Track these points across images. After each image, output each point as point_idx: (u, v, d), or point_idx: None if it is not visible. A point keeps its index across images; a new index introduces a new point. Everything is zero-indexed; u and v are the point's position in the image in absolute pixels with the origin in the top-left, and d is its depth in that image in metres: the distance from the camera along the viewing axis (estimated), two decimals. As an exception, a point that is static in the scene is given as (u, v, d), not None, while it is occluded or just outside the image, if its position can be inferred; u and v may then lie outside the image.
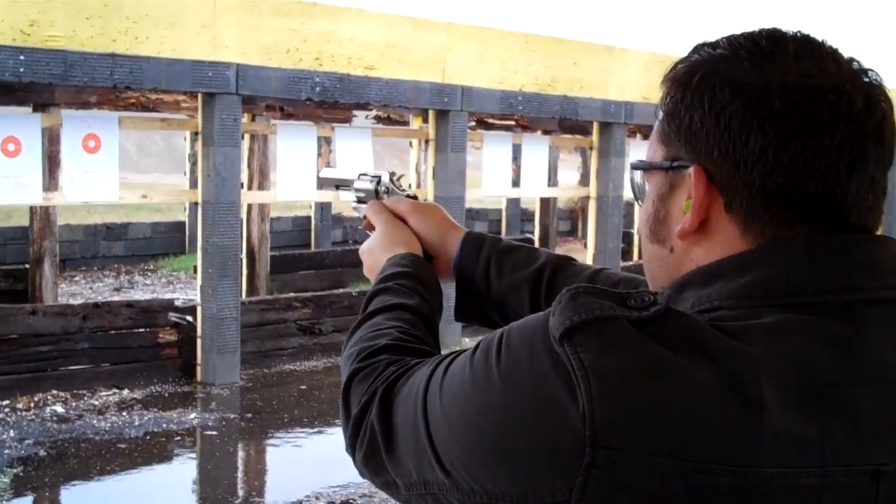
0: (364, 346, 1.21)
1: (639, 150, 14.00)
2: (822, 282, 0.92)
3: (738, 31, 1.01)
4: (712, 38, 1.02)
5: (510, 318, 1.33)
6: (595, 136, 13.10)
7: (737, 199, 0.95)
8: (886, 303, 0.92)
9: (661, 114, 1.03)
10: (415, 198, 1.58)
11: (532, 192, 12.98)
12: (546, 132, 14.43)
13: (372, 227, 1.55)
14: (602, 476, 0.83)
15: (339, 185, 1.70)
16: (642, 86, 13.16)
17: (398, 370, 1.12)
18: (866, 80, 0.96)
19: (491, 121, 13.90)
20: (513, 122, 14.02)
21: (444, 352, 1.16)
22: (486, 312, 1.49)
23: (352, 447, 1.14)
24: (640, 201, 1.10)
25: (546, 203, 17.35)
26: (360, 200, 1.62)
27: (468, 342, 11.20)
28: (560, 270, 1.46)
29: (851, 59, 0.97)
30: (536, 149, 12.54)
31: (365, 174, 1.63)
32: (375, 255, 1.49)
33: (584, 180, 14.36)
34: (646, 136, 14.76)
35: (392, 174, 1.61)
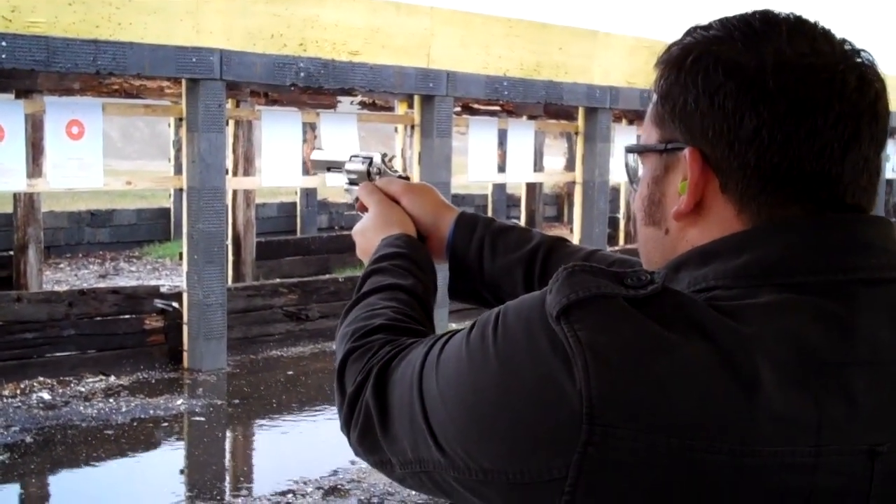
0: (359, 325, 1.21)
1: (624, 134, 14.03)
2: (817, 262, 0.92)
3: (734, 14, 1.01)
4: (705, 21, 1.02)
5: (503, 298, 1.32)
6: (580, 121, 13.10)
7: (732, 179, 0.96)
8: (880, 283, 0.93)
9: (654, 96, 1.03)
10: (407, 178, 1.58)
11: (518, 177, 12.99)
12: (531, 117, 14.42)
13: (364, 209, 1.54)
14: (598, 453, 0.83)
15: (331, 167, 1.70)
16: (627, 70, 13.17)
17: (393, 350, 1.12)
18: (859, 60, 0.96)
19: (476, 106, 13.88)
20: (498, 108, 14.01)
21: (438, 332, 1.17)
22: (479, 292, 1.50)
23: (346, 426, 1.14)
24: (634, 184, 1.10)
25: (532, 188, 17.37)
26: (351, 182, 1.62)
27: (454, 326, 11.19)
28: (554, 251, 1.45)
29: (844, 40, 0.98)
30: (522, 134, 12.54)
31: (356, 155, 1.62)
32: (368, 236, 1.49)
33: (570, 165, 14.38)
34: (631, 121, 14.80)
35: (384, 155, 1.60)
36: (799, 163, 0.93)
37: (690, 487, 0.84)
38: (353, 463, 6.84)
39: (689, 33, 1.02)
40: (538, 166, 16.05)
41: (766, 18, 0.98)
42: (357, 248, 1.53)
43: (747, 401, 0.83)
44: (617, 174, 13.88)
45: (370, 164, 1.59)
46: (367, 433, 1.10)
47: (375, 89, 10.71)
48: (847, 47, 0.97)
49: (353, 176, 1.62)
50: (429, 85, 10.90)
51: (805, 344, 0.87)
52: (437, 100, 11.01)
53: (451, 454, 0.95)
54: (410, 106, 11.42)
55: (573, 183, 13.45)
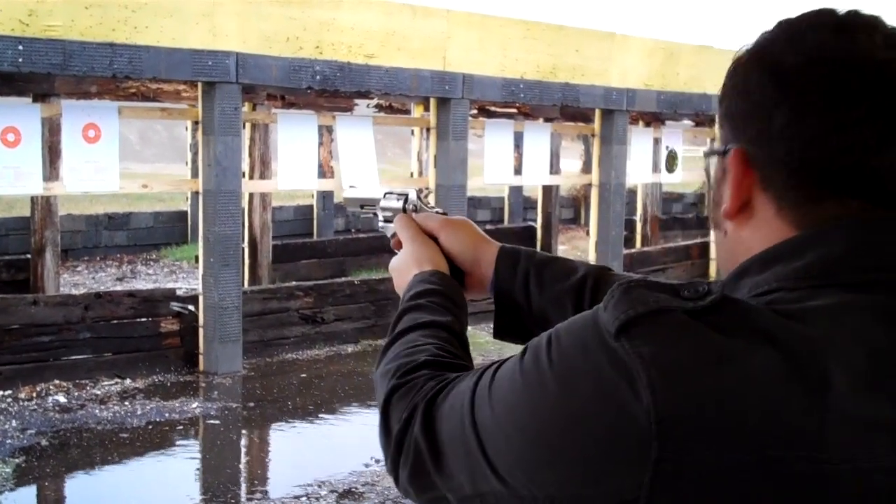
0: (402, 362, 1.20)
1: (640, 136, 13.97)
2: (879, 259, 0.91)
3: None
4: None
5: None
6: (597, 124, 13.06)
7: (770, 176, 0.96)
8: None
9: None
10: (444, 214, 1.55)
11: (534, 179, 12.95)
12: (548, 120, 14.39)
13: (400, 245, 1.53)
14: (671, 470, 0.82)
15: (364, 204, 1.69)
16: (644, 72, 13.13)
17: (438, 384, 1.10)
18: None
19: (492, 108, 13.86)
20: (514, 110, 13.98)
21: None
22: (527, 327, 1.44)
23: (394, 465, 1.12)
24: (712, 189, 1.08)
25: (548, 191, 17.32)
26: (386, 220, 1.61)
27: (470, 329, 11.17)
28: (602, 280, 1.43)
29: (894, 33, 0.95)
30: (538, 136, 12.51)
31: (391, 192, 1.61)
32: (402, 272, 1.48)
33: (587, 168, 14.33)
34: (648, 123, 14.76)
35: (419, 191, 1.59)
36: (832, 158, 0.92)
37: (766, 496, 0.82)
38: (367, 466, 6.84)
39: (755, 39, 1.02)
40: (554, 169, 15.99)
41: (818, 14, 0.97)
42: (394, 284, 1.51)
43: (818, 406, 0.82)
44: (633, 176, 13.83)
45: (406, 200, 1.58)
46: (419, 471, 1.07)
47: (391, 92, 10.71)
48: (890, 38, 0.94)
49: (388, 213, 1.60)
50: (445, 88, 10.88)
51: (876, 344, 0.86)
52: (453, 102, 11.00)
53: (513, 484, 0.93)
54: (426, 109, 11.41)
55: (589, 185, 13.40)
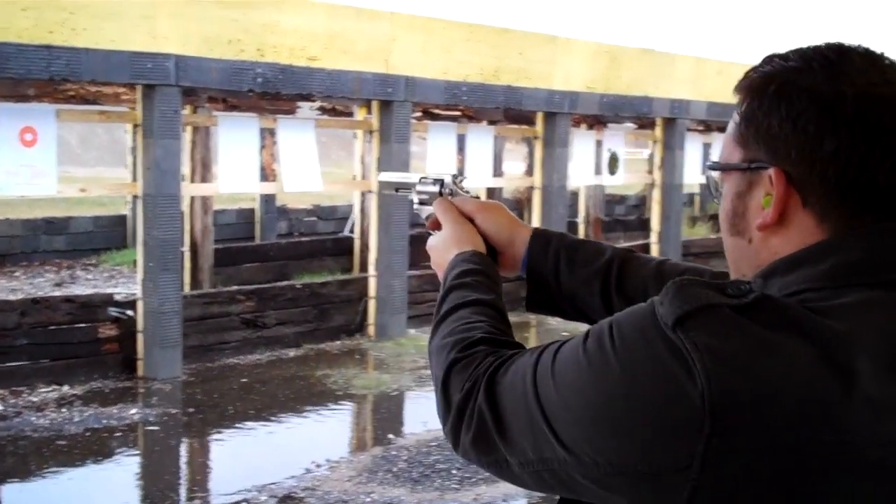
0: (459, 337, 1.31)
1: (582, 139, 14.03)
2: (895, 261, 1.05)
3: (805, 45, 1.14)
4: (782, 50, 1.15)
5: (579, 307, 1.56)
6: (539, 126, 13.11)
7: (813, 194, 1.08)
8: None
9: (737, 118, 1.15)
10: (477, 198, 1.67)
11: (477, 182, 12.96)
12: (491, 122, 14.40)
13: (436, 226, 1.64)
14: (720, 444, 0.95)
15: (400, 188, 1.79)
16: (586, 75, 13.20)
17: (497, 360, 1.22)
18: None
19: (436, 111, 13.85)
20: (458, 113, 13.98)
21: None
22: (556, 303, 1.60)
23: (455, 430, 1.23)
24: (715, 199, 1.22)
25: (492, 193, 17.35)
26: (422, 202, 1.72)
27: (413, 332, 11.19)
28: (627, 263, 1.57)
29: None
30: (481, 139, 12.53)
31: (426, 177, 1.72)
32: (441, 251, 1.58)
33: (530, 170, 14.35)
34: (590, 126, 14.82)
35: (454, 176, 1.69)
36: (874, 178, 1.06)
37: (799, 467, 0.96)
38: (307, 470, 6.80)
39: (767, 62, 1.15)
40: (498, 171, 16.03)
41: (840, 51, 1.11)
42: (432, 262, 1.62)
43: (845, 390, 0.96)
44: (575, 178, 13.90)
45: (442, 185, 1.68)
46: (482, 436, 1.19)
47: (334, 95, 10.68)
48: None
49: (425, 196, 1.71)
50: (387, 90, 10.87)
51: (894, 336, 1.00)
52: (396, 105, 10.99)
53: (577, 452, 1.06)
54: (369, 111, 11.38)
55: (532, 187, 13.44)
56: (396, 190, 1.80)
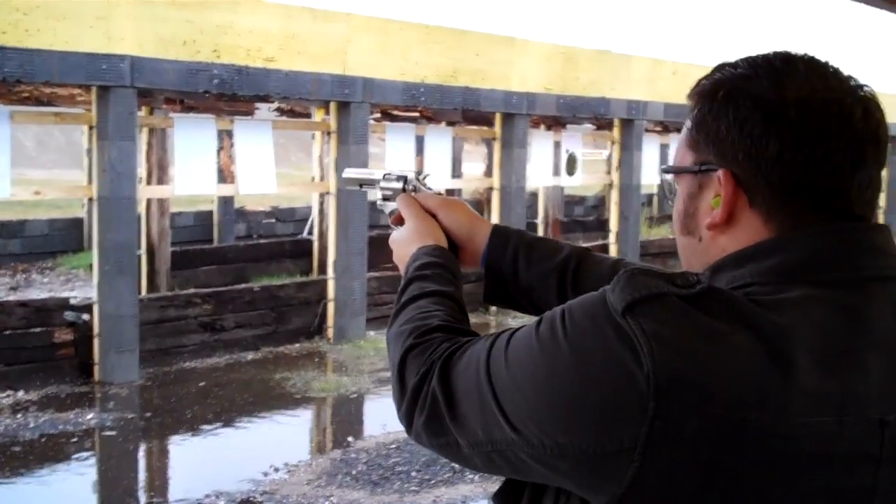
0: (417, 324, 1.36)
1: (541, 140, 14.07)
2: (837, 261, 1.10)
3: (754, 53, 1.20)
4: (735, 52, 1.25)
5: (536, 302, 1.60)
6: (497, 127, 13.13)
7: (759, 195, 1.14)
8: (887, 280, 1.12)
9: (689, 124, 1.21)
10: (440, 194, 1.71)
11: (436, 183, 12.92)
12: (450, 123, 14.42)
13: (400, 222, 1.68)
14: (663, 426, 1.00)
15: (364, 184, 1.84)
16: (543, 77, 13.22)
17: (452, 345, 1.27)
18: (863, 93, 1.15)
19: (395, 112, 13.84)
20: (417, 114, 13.98)
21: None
22: (512, 297, 1.65)
23: (409, 413, 1.28)
24: (669, 199, 1.28)
25: (451, 194, 17.31)
26: (385, 198, 1.75)
27: (372, 334, 11.17)
28: (583, 261, 1.63)
29: (850, 77, 1.17)
30: (439, 140, 12.54)
31: (390, 174, 1.75)
32: (404, 246, 1.62)
33: (489, 171, 14.38)
34: (549, 127, 14.87)
35: (418, 173, 1.73)
36: (816, 181, 1.11)
37: (738, 452, 1.00)
38: (265, 474, 6.77)
39: (718, 70, 1.20)
40: (457, 172, 16.06)
41: (786, 59, 1.16)
42: (394, 256, 1.66)
43: (784, 380, 1.01)
44: (534, 179, 13.93)
45: (405, 181, 1.72)
46: (434, 418, 1.23)
47: (291, 96, 10.64)
48: (853, 83, 1.16)
49: (388, 192, 1.75)
50: (345, 91, 10.84)
51: (831, 332, 1.05)
52: (354, 106, 10.97)
53: (525, 433, 1.10)
54: (328, 113, 11.34)
55: (491, 188, 13.46)
56: (360, 186, 1.84)
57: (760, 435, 1.00)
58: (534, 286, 1.61)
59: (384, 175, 1.76)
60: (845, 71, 1.18)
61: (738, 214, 1.16)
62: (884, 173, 1.21)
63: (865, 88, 1.16)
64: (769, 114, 1.11)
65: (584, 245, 1.68)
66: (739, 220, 1.16)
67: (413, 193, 1.70)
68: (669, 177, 1.26)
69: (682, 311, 1.03)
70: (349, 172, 1.87)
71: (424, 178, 1.73)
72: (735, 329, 1.03)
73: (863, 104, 1.14)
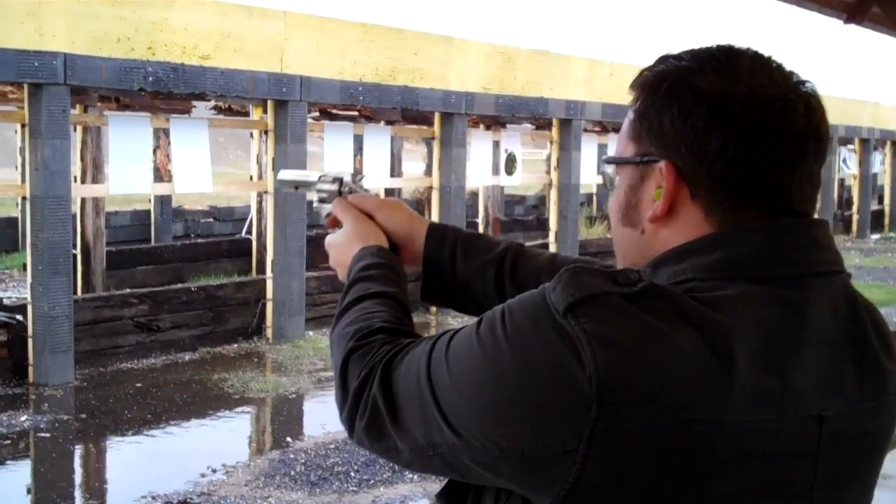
0: (359, 326, 1.34)
1: (480, 140, 14.11)
2: (778, 258, 1.10)
3: (698, 46, 1.19)
4: (675, 51, 1.20)
5: (473, 297, 1.59)
6: (436, 127, 13.14)
7: (700, 188, 1.13)
8: (826, 275, 1.13)
9: (631, 115, 1.20)
10: (375, 195, 1.68)
11: (376, 182, 12.93)
12: (389, 122, 14.40)
13: (335, 224, 1.66)
14: (606, 427, 0.99)
15: (299, 186, 1.80)
16: (482, 76, 13.26)
17: (393, 348, 1.25)
18: (805, 90, 1.15)
19: (333, 111, 13.79)
20: (356, 113, 13.94)
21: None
22: (451, 292, 1.63)
23: (351, 418, 1.26)
24: (609, 190, 1.27)
25: (391, 193, 17.33)
26: (321, 200, 1.72)
27: (311, 334, 11.13)
28: (520, 254, 1.61)
29: (792, 73, 1.16)
30: (378, 139, 12.52)
31: (326, 175, 1.72)
32: (343, 248, 1.60)
33: (429, 170, 14.39)
34: (487, 126, 14.91)
35: (353, 174, 1.70)
36: (757, 175, 1.11)
37: (680, 451, 1.00)
38: (203, 476, 6.71)
39: (661, 61, 1.19)
40: (396, 171, 16.03)
41: (731, 53, 1.16)
42: (331, 259, 1.64)
43: (725, 379, 1.01)
44: (473, 179, 13.96)
45: (341, 183, 1.69)
46: (375, 423, 1.21)
47: (227, 94, 10.57)
48: (795, 79, 1.15)
49: (324, 194, 1.71)
50: (282, 90, 10.79)
51: (770, 329, 1.05)
52: (291, 105, 10.92)
53: (466, 436, 1.09)
54: (265, 111, 11.28)
55: (431, 188, 13.46)
56: (296, 188, 1.82)
57: (703, 434, 1.00)
58: (471, 280, 1.60)
59: (320, 177, 1.73)
60: (788, 66, 1.18)
61: (680, 207, 1.15)
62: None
63: (808, 84, 1.16)
64: (714, 107, 1.11)
65: (527, 243, 1.68)
66: (680, 212, 1.15)
67: (349, 195, 1.68)
68: (611, 168, 1.25)
69: (623, 311, 1.03)
70: (284, 174, 1.83)
71: (360, 179, 1.70)
72: (677, 328, 1.02)
73: (805, 100, 1.14)
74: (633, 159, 1.19)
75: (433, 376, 1.14)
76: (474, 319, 1.15)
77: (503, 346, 1.06)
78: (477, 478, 1.14)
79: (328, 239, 1.65)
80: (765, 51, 1.17)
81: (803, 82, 1.16)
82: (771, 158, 1.10)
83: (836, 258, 1.16)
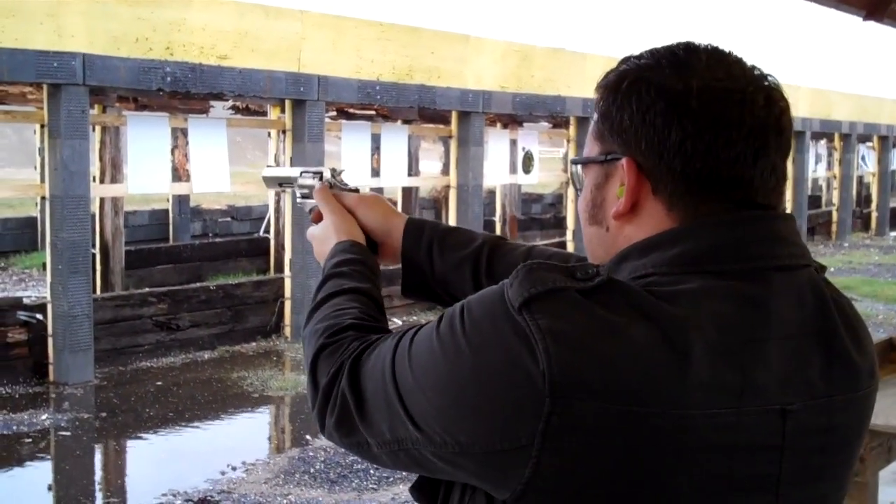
0: (329, 323, 1.36)
1: (497, 138, 14.10)
2: (739, 252, 1.10)
3: (658, 45, 1.20)
4: (636, 51, 1.22)
5: (451, 291, 1.60)
6: (454, 125, 13.14)
7: (662, 183, 1.14)
8: (789, 269, 1.12)
9: (595, 115, 1.22)
10: (356, 191, 1.70)
11: (393, 181, 12.96)
12: (406, 121, 14.42)
13: (321, 218, 1.68)
14: (559, 422, 0.99)
15: (283, 182, 1.82)
16: (499, 75, 13.26)
17: (362, 345, 1.27)
18: (766, 82, 1.15)
19: (351, 110, 13.81)
20: (373, 112, 13.96)
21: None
22: (429, 287, 1.65)
23: (321, 414, 1.27)
24: (578, 191, 1.27)
25: (408, 192, 17.38)
26: (304, 196, 1.74)
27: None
28: (497, 249, 1.62)
29: (754, 66, 1.17)
30: (395, 138, 12.53)
31: (307, 171, 1.74)
32: (323, 241, 1.63)
33: (446, 169, 14.40)
34: (505, 125, 14.91)
35: (333, 170, 1.72)
36: (717, 169, 1.11)
37: (636, 445, 1.00)
38: (223, 473, 6.73)
39: (623, 61, 1.21)
40: (414, 170, 16.06)
41: (688, 49, 1.17)
42: (314, 251, 1.67)
43: (681, 372, 1.01)
44: (491, 177, 13.95)
45: (321, 178, 1.71)
46: (344, 419, 1.23)
47: (245, 94, 10.59)
48: (756, 72, 1.16)
49: (305, 190, 1.73)
50: (300, 89, 10.81)
51: (729, 323, 1.05)
52: (309, 104, 10.93)
53: (428, 432, 1.10)
54: (283, 111, 11.30)
55: (449, 186, 13.47)
56: (280, 185, 1.83)
57: (658, 428, 1.00)
58: (449, 275, 1.62)
59: (301, 172, 1.74)
60: (749, 61, 1.18)
61: (642, 203, 1.16)
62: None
63: (769, 78, 1.17)
64: (671, 102, 1.12)
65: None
66: (643, 208, 1.16)
67: (330, 190, 1.69)
68: (579, 168, 1.26)
69: (578, 306, 1.03)
70: (267, 172, 1.85)
71: (340, 174, 1.72)
72: (632, 322, 1.02)
73: (765, 92, 1.14)
74: (596, 158, 1.21)
75: (397, 372, 1.15)
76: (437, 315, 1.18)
77: (461, 343, 1.07)
78: (441, 472, 1.15)
79: (310, 231, 1.69)
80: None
81: (765, 76, 1.17)
82: (730, 151, 1.11)
83: (802, 251, 1.16)
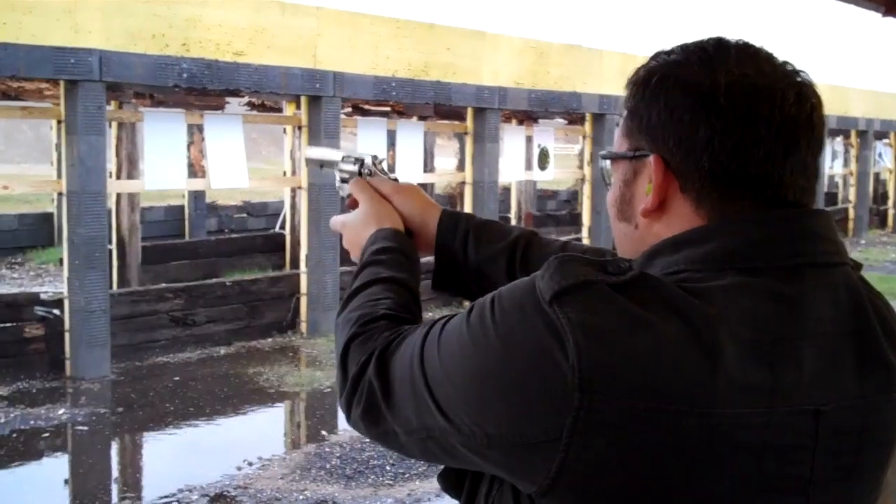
0: (363, 312, 1.36)
1: (513, 134, 14.09)
2: (772, 249, 1.08)
3: (690, 40, 1.18)
4: (667, 46, 1.20)
5: (484, 284, 1.55)
6: (469, 122, 13.13)
7: (689, 181, 1.12)
8: (823, 266, 1.10)
9: (624, 112, 1.20)
10: (395, 180, 1.68)
11: (408, 177, 12.90)
12: (422, 118, 14.41)
13: (355, 205, 1.66)
14: (588, 416, 0.98)
15: (324, 164, 1.81)
16: (515, 71, 13.24)
17: (392, 335, 1.27)
18: (798, 79, 1.13)
19: (367, 107, 13.81)
20: (388, 108, 13.95)
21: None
22: (463, 281, 1.63)
23: (349, 403, 1.28)
24: (608, 186, 1.26)
25: (423, 189, 17.32)
26: (343, 181, 1.73)
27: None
28: (532, 242, 1.60)
29: (785, 62, 1.15)
30: (411, 135, 12.52)
31: (348, 156, 1.72)
32: (359, 229, 1.61)
33: (462, 166, 14.40)
34: (520, 122, 14.89)
35: (374, 157, 1.70)
36: (746, 166, 1.09)
37: (664, 443, 0.99)
38: (239, 469, 6.75)
39: (653, 58, 1.19)
40: (429, 167, 16.05)
41: (718, 44, 1.15)
42: (344, 240, 1.66)
43: (711, 370, 0.99)
44: (506, 174, 13.94)
45: (361, 164, 1.69)
46: (371, 407, 1.23)
47: (261, 90, 10.60)
48: (788, 68, 1.14)
49: (345, 175, 1.72)
50: (315, 86, 10.82)
51: (761, 321, 1.03)
52: (325, 101, 10.94)
53: (456, 422, 1.10)
54: (299, 107, 11.31)
55: (464, 183, 13.46)
56: (321, 167, 1.83)
57: (687, 426, 0.99)
58: (484, 268, 1.60)
59: (343, 157, 1.73)
60: (780, 57, 1.16)
61: (670, 200, 1.15)
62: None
63: (801, 74, 1.15)
64: (699, 99, 1.10)
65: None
66: (671, 205, 1.15)
67: (368, 178, 1.68)
68: (607, 164, 1.25)
69: (610, 300, 1.02)
70: (311, 152, 1.86)
71: (381, 162, 1.71)
72: (663, 317, 1.01)
73: (796, 89, 1.12)
74: (625, 154, 1.20)
75: (426, 363, 1.15)
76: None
77: (491, 334, 1.07)
78: (469, 463, 1.14)
79: (341, 218, 1.67)
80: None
81: (797, 72, 1.15)
82: (759, 148, 1.09)
83: (837, 249, 1.13)
